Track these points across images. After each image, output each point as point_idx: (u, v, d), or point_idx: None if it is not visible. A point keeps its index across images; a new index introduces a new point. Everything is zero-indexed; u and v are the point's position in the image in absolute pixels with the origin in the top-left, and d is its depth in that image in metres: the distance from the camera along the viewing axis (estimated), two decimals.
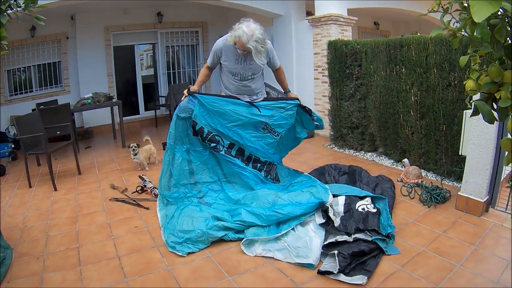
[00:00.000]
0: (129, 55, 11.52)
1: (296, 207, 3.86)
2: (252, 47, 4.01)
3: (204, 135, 4.38)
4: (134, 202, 4.95)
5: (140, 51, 12.21)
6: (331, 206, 3.97)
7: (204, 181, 4.53)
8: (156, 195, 4.99)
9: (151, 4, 10.36)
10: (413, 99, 5.59)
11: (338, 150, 7.23)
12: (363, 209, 3.92)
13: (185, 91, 4.40)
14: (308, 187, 4.33)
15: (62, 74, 10.62)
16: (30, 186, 5.99)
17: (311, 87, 8.49)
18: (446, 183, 5.13)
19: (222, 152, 4.44)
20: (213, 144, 4.40)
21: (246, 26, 4.00)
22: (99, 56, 10.65)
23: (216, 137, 4.41)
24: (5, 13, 3.15)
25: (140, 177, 5.70)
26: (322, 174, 5.17)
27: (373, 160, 6.48)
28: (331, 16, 7.63)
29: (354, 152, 6.96)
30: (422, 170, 5.57)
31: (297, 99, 4.66)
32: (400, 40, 5.79)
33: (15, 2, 3.25)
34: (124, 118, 10.66)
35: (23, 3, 3.29)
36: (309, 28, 8.33)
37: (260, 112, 4.44)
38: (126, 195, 5.26)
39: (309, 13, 9.49)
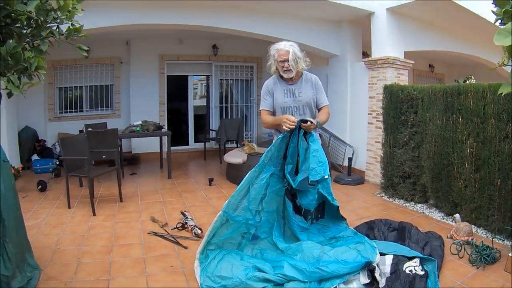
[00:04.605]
0: (182, 84, 11.92)
1: (342, 265, 3.79)
2: (290, 50, 4.20)
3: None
4: (173, 239, 5.00)
5: (194, 80, 12.57)
6: (377, 265, 3.90)
7: (267, 210, 4.44)
8: (196, 235, 5.07)
9: (207, 36, 10.70)
10: (468, 150, 5.51)
11: (387, 199, 7.15)
12: (411, 271, 3.87)
13: (294, 119, 4.14)
14: (355, 243, 4.22)
15: (114, 98, 11.22)
16: (69, 207, 6.23)
17: (364, 132, 8.48)
18: (497, 241, 4.95)
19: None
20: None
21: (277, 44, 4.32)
22: (152, 83, 11.11)
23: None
24: (46, 40, 3.26)
25: (182, 212, 5.84)
26: (372, 228, 5.14)
27: (423, 212, 6.36)
28: (388, 59, 7.70)
29: (404, 203, 6.86)
30: (473, 226, 5.41)
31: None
32: (457, 87, 5.78)
33: (57, 30, 3.35)
34: (173, 148, 10.92)
35: (66, 31, 3.40)
36: (364, 70, 8.41)
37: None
38: (165, 230, 5.34)
39: (365, 54, 9.60)
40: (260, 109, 4.55)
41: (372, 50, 8.21)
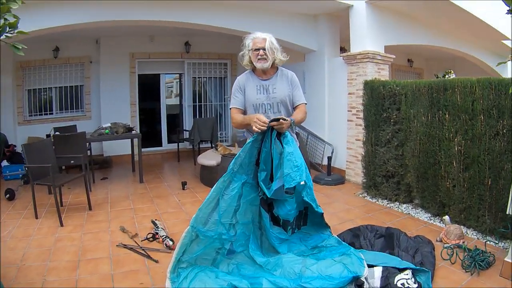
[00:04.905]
0: (155, 83, 11.61)
1: (327, 281, 3.46)
2: (267, 38, 3.93)
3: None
4: (143, 253, 4.65)
5: (169, 79, 12.32)
6: (366, 279, 3.59)
7: (243, 222, 4.02)
8: (167, 246, 4.72)
9: (179, 33, 10.36)
10: (456, 148, 5.31)
11: (370, 199, 6.90)
12: (403, 284, 3.57)
13: (266, 119, 3.69)
14: (340, 255, 3.91)
15: (84, 99, 10.78)
16: (37, 217, 5.89)
17: (344, 130, 8.21)
18: (488, 242, 4.79)
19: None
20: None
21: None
22: (122, 83, 10.77)
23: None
24: None
25: (153, 221, 5.46)
26: (357, 236, 4.80)
27: (409, 213, 6.13)
28: (368, 53, 7.42)
29: (388, 203, 6.61)
30: (462, 227, 5.22)
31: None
32: (443, 82, 5.55)
33: None
34: (145, 150, 10.75)
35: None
36: (343, 66, 8.14)
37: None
38: (135, 242, 4.98)
39: (343, 49, 9.38)
40: (230, 107, 4.18)
41: (351, 45, 7.93)
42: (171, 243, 4.74)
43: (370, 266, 3.76)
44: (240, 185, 3.91)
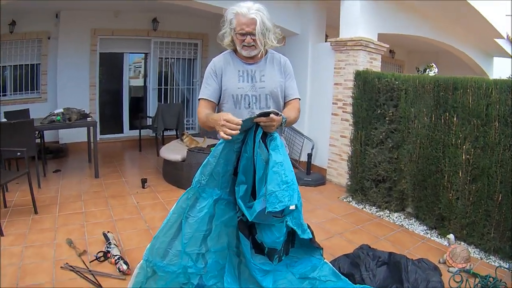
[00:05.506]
0: (118, 63, 10.64)
1: None
2: (257, 18, 2.85)
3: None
4: (91, 280, 3.78)
5: (138, 58, 11.53)
6: None
7: (215, 249, 3.06)
8: (121, 271, 3.86)
9: (147, 8, 9.51)
10: (464, 157, 4.69)
11: (357, 206, 6.23)
12: None
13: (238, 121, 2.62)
14: None
15: (40, 79, 9.70)
16: None
17: (327, 124, 7.46)
18: (491, 262, 4.43)
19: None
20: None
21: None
22: (82, 62, 9.74)
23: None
24: None
25: (104, 235, 4.56)
26: (356, 266, 3.98)
27: (402, 224, 5.50)
28: (361, 40, 6.61)
29: (377, 211, 5.96)
30: (462, 243, 4.75)
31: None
32: (454, 80, 4.88)
33: None
34: (105, 136, 10.07)
35: None
36: (330, 53, 7.35)
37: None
38: (83, 261, 4.10)
39: (326, 36, 8.65)
40: (199, 97, 3.13)
41: (341, 30, 7.11)
42: (125, 267, 3.87)
43: None
44: (211, 203, 2.91)
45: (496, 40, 11.12)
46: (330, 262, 3.65)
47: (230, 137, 2.56)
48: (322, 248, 3.38)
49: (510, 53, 12.21)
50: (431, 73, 16.01)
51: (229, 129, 2.53)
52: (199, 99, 3.11)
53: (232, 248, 3.13)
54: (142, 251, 3.00)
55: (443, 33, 9.86)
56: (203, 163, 2.83)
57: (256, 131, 2.75)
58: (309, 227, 3.17)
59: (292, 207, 2.61)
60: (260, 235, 2.97)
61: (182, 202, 2.86)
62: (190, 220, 2.86)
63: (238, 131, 2.57)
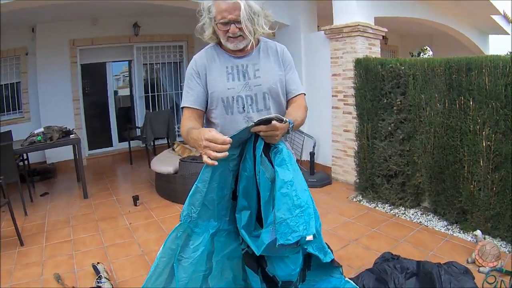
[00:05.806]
0: (100, 74, 10.22)
1: None
2: (241, 3, 2.25)
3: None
4: None
5: (124, 67, 11.08)
6: None
7: (219, 287, 2.49)
8: None
9: (126, 13, 9.09)
10: (484, 143, 4.36)
11: (368, 205, 5.83)
12: None
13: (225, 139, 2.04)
14: None
15: (21, 99, 9.25)
16: None
17: (327, 119, 7.05)
18: None
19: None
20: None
21: None
22: (63, 76, 9.30)
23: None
24: None
25: (94, 267, 4.07)
26: (383, 282, 3.46)
27: (420, 222, 5.11)
28: (358, 25, 6.17)
29: (391, 209, 5.56)
30: (486, 236, 4.46)
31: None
32: (466, 60, 4.50)
33: None
34: (93, 152, 9.70)
35: None
36: (324, 42, 6.94)
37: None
38: None
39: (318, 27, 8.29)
40: (181, 106, 2.56)
41: (335, 16, 6.68)
42: None
43: None
44: (207, 238, 2.37)
45: (492, 16, 10.98)
46: (353, 280, 3.23)
47: (216, 162, 2.01)
48: (341, 266, 2.90)
49: (507, 30, 12.06)
50: (425, 57, 16.00)
51: (214, 151, 1.98)
52: (181, 108, 2.56)
53: (238, 281, 2.61)
54: (136, 282, 2.60)
55: (439, 13, 9.58)
56: (191, 191, 2.28)
57: (256, 143, 2.24)
58: (328, 246, 2.69)
59: (310, 237, 2.10)
60: (272, 267, 2.47)
61: (171, 243, 2.32)
62: (183, 263, 2.32)
63: (227, 153, 2.01)
